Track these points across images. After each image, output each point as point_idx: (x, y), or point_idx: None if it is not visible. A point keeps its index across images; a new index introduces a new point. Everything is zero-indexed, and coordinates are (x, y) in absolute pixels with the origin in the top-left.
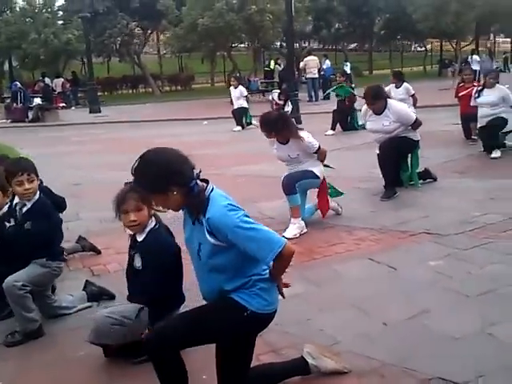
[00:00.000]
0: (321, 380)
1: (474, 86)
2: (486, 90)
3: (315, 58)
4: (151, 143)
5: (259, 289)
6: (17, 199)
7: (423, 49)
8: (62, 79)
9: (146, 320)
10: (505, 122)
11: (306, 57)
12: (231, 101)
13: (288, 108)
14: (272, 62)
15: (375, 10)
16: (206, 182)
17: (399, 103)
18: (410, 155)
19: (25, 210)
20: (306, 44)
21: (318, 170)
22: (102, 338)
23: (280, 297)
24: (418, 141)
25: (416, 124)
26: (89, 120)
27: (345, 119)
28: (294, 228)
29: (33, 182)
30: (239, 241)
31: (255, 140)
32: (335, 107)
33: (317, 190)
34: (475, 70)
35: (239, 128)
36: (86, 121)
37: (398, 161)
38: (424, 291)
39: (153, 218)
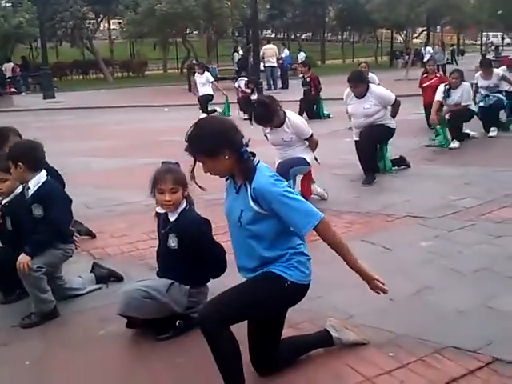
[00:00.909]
0: (343, 351)
1: (437, 76)
2: (452, 90)
3: (273, 46)
4: (118, 130)
5: (296, 261)
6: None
7: (374, 39)
8: (12, 64)
9: (176, 296)
10: (470, 113)
11: (263, 45)
12: (189, 88)
13: (255, 97)
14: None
15: (328, 1)
16: (253, 154)
17: (379, 87)
18: None
19: (30, 193)
20: (262, 33)
21: (309, 157)
22: (131, 311)
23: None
24: (394, 128)
25: (396, 104)
26: (45, 106)
27: (311, 108)
28: None
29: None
30: (281, 209)
31: None
32: (302, 96)
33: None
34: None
35: (204, 115)
36: (42, 107)
37: (376, 148)
38: (422, 269)
39: (184, 200)
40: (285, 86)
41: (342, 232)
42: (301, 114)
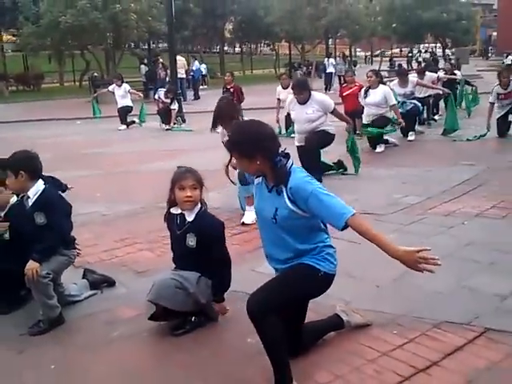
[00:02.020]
0: (352, 333)
1: (356, 85)
2: (370, 90)
3: (182, 58)
4: (35, 144)
5: (326, 253)
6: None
7: (273, 52)
8: None
9: (203, 288)
10: (388, 121)
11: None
12: (93, 108)
13: (174, 106)
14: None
15: (228, 12)
16: (288, 156)
17: (320, 93)
18: None
19: (30, 202)
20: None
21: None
22: (162, 300)
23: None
24: (334, 134)
25: (336, 111)
26: None
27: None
28: (252, 214)
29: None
30: (316, 205)
31: (145, 139)
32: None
33: None
34: (330, 73)
35: (124, 127)
36: None
37: (320, 152)
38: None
39: (199, 203)
40: (196, 97)
41: None
42: None
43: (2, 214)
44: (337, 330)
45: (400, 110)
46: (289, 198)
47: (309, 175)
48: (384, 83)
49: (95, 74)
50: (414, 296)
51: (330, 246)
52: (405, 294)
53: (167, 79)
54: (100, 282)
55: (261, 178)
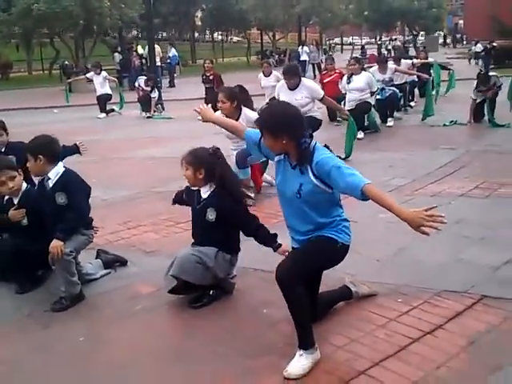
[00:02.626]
0: (360, 302)
1: (337, 72)
2: (354, 76)
3: (157, 46)
4: (20, 132)
5: (343, 226)
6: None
7: (244, 40)
8: None
9: (220, 263)
10: (369, 106)
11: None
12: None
13: (155, 94)
14: (139, 48)
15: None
16: (311, 137)
17: (309, 80)
18: None
19: (51, 183)
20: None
21: None
22: (184, 274)
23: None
24: (321, 120)
25: (325, 99)
26: None
27: (215, 106)
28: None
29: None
30: (337, 176)
31: (129, 126)
32: (204, 94)
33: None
34: (304, 60)
35: (103, 115)
36: None
37: None
38: (391, 235)
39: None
40: (171, 84)
41: None
42: None
43: (16, 201)
44: (346, 299)
45: (379, 97)
46: (314, 174)
47: (330, 152)
48: (365, 70)
49: (66, 62)
50: (413, 268)
51: (346, 220)
52: (404, 267)
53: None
54: (113, 262)
55: (282, 155)
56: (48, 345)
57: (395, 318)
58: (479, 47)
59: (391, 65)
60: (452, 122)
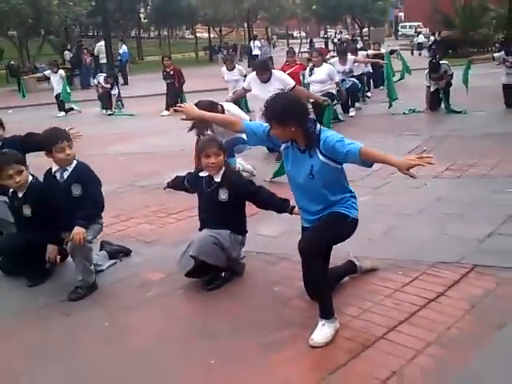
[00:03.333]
0: (364, 277)
1: (297, 64)
2: (315, 68)
3: None
4: None
5: (352, 202)
6: (54, 167)
7: (190, 36)
8: None
9: (233, 244)
10: (333, 96)
11: (97, 43)
12: (21, 89)
13: (114, 91)
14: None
15: None
16: (315, 122)
17: (280, 72)
18: None
19: (66, 175)
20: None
21: None
22: (202, 255)
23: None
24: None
25: (297, 89)
26: None
27: (175, 100)
28: None
29: (71, 149)
30: (340, 147)
31: (92, 124)
32: (166, 89)
33: None
34: (256, 55)
35: (63, 113)
36: None
37: None
38: (379, 216)
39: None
40: (125, 82)
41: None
42: (167, 108)
43: (21, 195)
44: (351, 273)
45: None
46: (322, 154)
47: (333, 131)
48: (326, 62)
49: (12, 62)
50: (405, 245)
51: (354, 196)
52: (396, 244)
53: (92, 65)
54: (117, 252)
55: (289, 142)
56: (74, 331)
57: (399, 289)
58: (421, 38)
59: (350, 56)
60: (411, 110)
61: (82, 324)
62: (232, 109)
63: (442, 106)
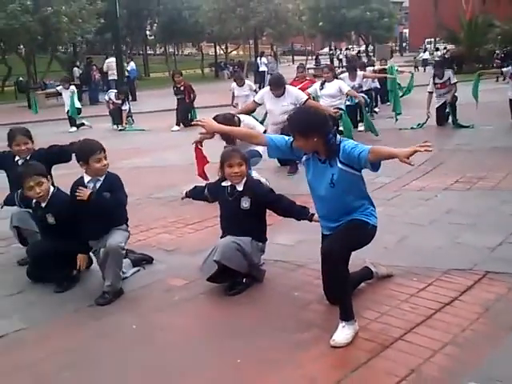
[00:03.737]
0: (380, 283)
1: (307, 80)
2: (326, 83)
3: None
4: None
5: (371, 210)
6: (87, 177)
7: (197, 52)
8: None
9: (254, 251)
10: (341, 112)
11: (106, 59)
12: (33, 104)
13: (125, 107)
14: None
15: (154, 13)
16: (335, 134)
17: (294, 88)
18: None
19: (99, 184)
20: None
21: (261, 149)
22: (225, 260)
23: None
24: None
25: (308, 102)
26: None
27: (186, 117)
28: None
29: (106, 159)
30: (355, 152)
31: (106, 139)
32: (176, 105)
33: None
34: (263, 71)
35: (74, 129)
36: None
37: None
38: (392, 226)
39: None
40: (133, 98)
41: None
42: (178, 123)
43: (44, 205)
44: (367, 279)
45: (349, 103)
46: (342, 163)
47: (352, 141)
48: (337, 78)
49: (21, 78)
50: (419, 252)
51: (373, 205)
52: (410, 252)
53: (101, 81)
54: (140, 260)
55: (310, 154)
56: (106, 333)
57: (415, 294)
58: (426, 54)
59: (359, 72)
60: (419, 125)
61: (113, 327)
62: (247, 119)
63: (450, 120)
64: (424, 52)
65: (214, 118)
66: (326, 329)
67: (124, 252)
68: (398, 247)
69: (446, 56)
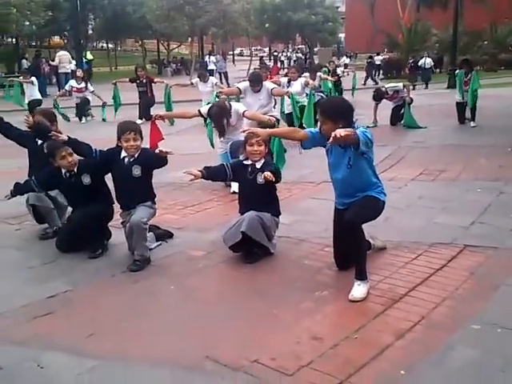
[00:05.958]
0: (377, 253)
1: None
2: (292, 81)
3: (67, 53)
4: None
5: (381, 189)
6: (123, 153)
7: (137, 48)
8: None
9: (272, 224)
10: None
11: (57, 52)
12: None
13: (92, 88)
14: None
15: (98, 7)
16: (354, 121)
17: (270, 83)
18: None
19: (132, 160)
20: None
21: None
22: (251, 231)
23: None
24: (279, 119)
25: (274, 90)
26: None
27: (148, 111)
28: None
29: (138, 141)
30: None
31: (72, 130)
32: (138, 98)
33: None
34: (212, 69)
35: (84, 120)
36: None
37: None
38: None
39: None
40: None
41: (286, 196)
42: (140, 117)
43: (75, 171)
44: (367, 250)
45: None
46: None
47: (365, 128)
48: (300, 76)
49: None
50: (403, 230)
51: (381, 183)
52: (396, 229)
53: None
54: (163, 235)
55: None
56: (149, 293)
57: (409, 262)
58: (378, 59)
59: (318, 73)
60: (373, 124)
61: (152, 287)
62: (236, 105)
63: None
64: (376, 55)
65: (210, 108)
66: (341, 288)
67: (147, 226)
68: (385, 226)
69: (378, 63)
